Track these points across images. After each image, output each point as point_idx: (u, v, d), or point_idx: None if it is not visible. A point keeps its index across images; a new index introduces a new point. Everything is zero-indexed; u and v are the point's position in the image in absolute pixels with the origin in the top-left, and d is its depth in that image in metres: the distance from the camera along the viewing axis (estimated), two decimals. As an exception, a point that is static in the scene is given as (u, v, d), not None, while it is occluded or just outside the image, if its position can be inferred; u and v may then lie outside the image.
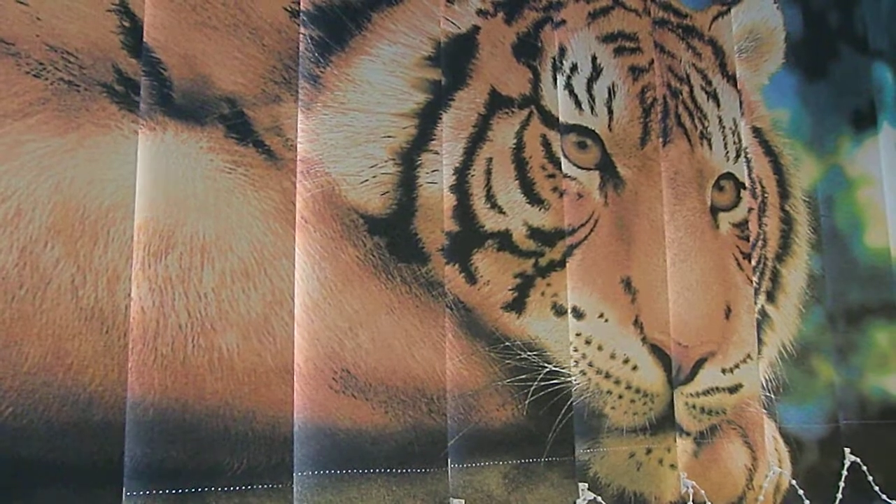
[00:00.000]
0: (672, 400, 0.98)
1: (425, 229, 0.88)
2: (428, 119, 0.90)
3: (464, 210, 0.92)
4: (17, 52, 0.72)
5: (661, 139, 1.04)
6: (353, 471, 0.83)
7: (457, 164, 0.93)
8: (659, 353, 0.98)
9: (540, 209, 0.95)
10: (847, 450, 1.06)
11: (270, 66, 0.85)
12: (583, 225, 0.99)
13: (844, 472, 1.05)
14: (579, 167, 1.01)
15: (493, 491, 0.89)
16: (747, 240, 1.07)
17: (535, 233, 0.94)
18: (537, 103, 0.97)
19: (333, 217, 0.86)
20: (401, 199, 0.88)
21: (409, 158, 0.89)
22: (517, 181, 0.95)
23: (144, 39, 0.81)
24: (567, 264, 0.98)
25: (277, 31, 0.85)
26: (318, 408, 0.82)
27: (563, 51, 1.01)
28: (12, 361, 0.70)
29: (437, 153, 0.90)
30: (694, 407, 1.00)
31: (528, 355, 0.92)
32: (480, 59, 0.96)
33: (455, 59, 0.95)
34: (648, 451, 0.96)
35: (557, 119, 0.97)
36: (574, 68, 1.02)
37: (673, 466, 0.97)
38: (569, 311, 0.95)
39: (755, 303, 1.07)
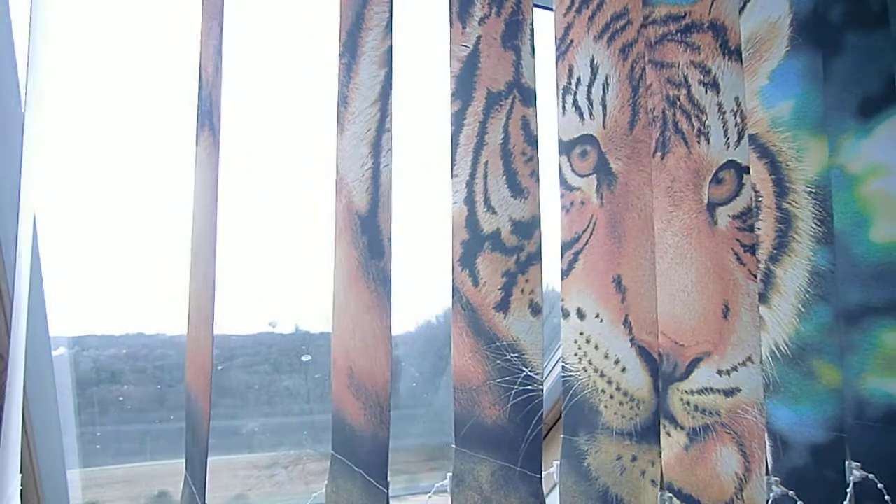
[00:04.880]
0: (657, 410, 0.94)
1: (384, 219, 0.87)
2: (384, 96, 0.89)
3: (471, 218, 0.93)
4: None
5: (657, 143, 0.99)
6: (350, 463, 0.85)
7: (466, 178, 0.93)
8: (646, 355, 0.94)
9: (521, 200, 0.93)
10: (857, 463, 1.01)
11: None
12: (584, 231, 0.97)
13: (851, 482, 1.01)
14: (581, 175, 0.98)
15: (482, 484, 0.90)
16: (751, 229, 0.99)
17: (517, 227, 0.92)
18: (519, 85, 0.94)
19: (348, 225, 0.88)
20: (373, 191, 0.88)
21: (377, 145, 0.88)
22: (504, 176, 0.93)
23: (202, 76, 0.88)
24: (562, 264, 0.97)
25: None
26: (338, 399, 0.87)
27: (570, 70, 0.99)
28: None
29: (389, 131, 0.88)
30: (688, 404, 0.97)
31: (511, 357, 0.90)
32: (481, 68, 0.94)
33: (465, 81, 0.94)
34: (634, 459, 0.93)
35: (535, 92, 0.94)
36: (578, 82, 0.98)
37: (654, 483, 0.93)
38: (542, 309, 0.92)
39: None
